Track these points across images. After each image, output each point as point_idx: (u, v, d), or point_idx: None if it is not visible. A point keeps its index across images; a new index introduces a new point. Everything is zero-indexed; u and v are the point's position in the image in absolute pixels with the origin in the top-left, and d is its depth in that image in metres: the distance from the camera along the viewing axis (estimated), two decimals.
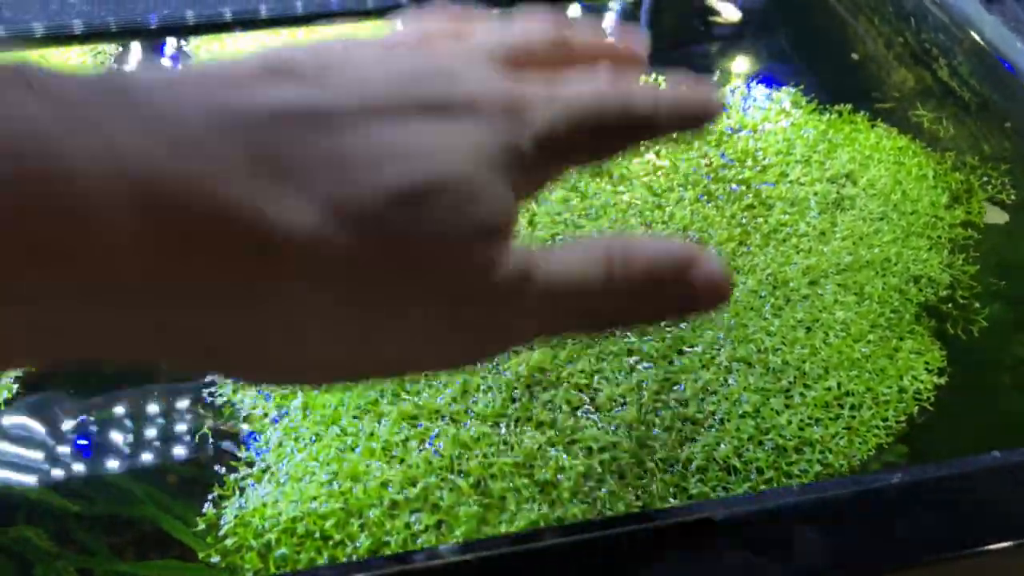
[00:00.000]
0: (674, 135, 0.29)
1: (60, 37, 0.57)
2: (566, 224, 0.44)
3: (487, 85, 0.25)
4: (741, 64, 0.58)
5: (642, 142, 0.29)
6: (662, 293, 0.25)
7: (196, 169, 0.19)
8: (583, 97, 0.26)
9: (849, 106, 0.52)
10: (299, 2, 0.59)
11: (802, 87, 0.53)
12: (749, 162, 0.47)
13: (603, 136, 0.27)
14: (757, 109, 0.51)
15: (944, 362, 0.38)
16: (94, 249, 0.17)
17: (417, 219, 0.21)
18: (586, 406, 0.36)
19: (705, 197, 0.45)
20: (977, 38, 0.52)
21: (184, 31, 0.58)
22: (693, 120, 0.30)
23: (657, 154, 0.48)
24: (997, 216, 0.46)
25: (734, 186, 0.46)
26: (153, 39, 0.58)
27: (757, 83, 0.54)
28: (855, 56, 0.57)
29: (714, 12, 0.61)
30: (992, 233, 0.44)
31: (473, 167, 0.23)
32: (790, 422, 0.35)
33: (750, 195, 0.45)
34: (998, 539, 0.26)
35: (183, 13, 0.58)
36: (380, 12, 0.60)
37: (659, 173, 0.47)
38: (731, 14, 0.61)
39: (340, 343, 0.22)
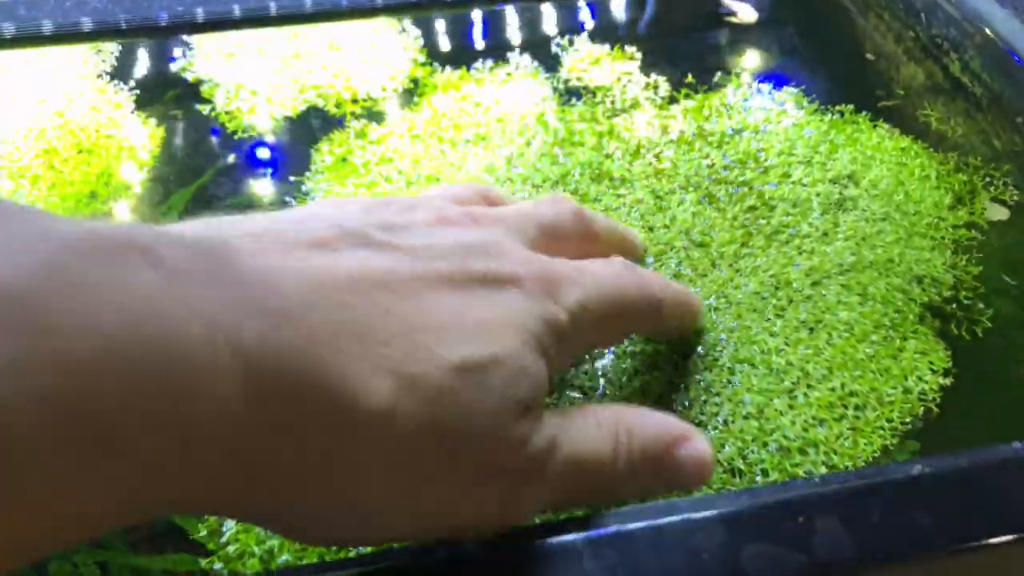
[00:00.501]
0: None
1: (70, 35, 0.57)
2: None
3: (527, 262, 0.28)
4: (750, 59, 0.57)
5: (652, 324, 0.34)
6: (657, 468, 0.28)
7: (292, 342, 0.20)
8: (606, 278, 0.30)
9: (851, 106, 0.52)
10: None
11: (803, 88, 0.53)
12: (751, 163, 0.47)
13: (623, 314, 0.30)
14: (759, 110, 0.51)
15: (949, 362, 0.38)
16: (199, 417, 0.19)
17: (476, 391, 0.23)
18: None
19: (707, 199, 0.45)
20: (989, 33, 0.52)
21: (194, 28, 0.59)
22: (688, 315, 0.36)
23: (658, 157, 0.48)
24: (998, 213, 0.45)
25: (736, 187, 0.46)
26: (164, 36, 0.58)
27: (762, 81, 0.54)
28: (870, 56, 0.57)
29: (730, 12, 0.60)
30: (994, 231, 0.44)
31: (522, 344, 0.25)
32: (794, 423, 0.35)
33: (752, 196, 0.45)
34: (1021, 529, 0.26)
35: (193, 10, 0.59)
36: (389, 10, 0.60)
37: (661, 176, 0.47)
38: (747, 15, 0.60)
39: (395, 507, 0.23)
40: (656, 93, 0.53)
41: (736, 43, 0.59)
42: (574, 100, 0.53)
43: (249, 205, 0.47)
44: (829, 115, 0.51)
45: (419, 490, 0.23)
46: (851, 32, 0.60)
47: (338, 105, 0.54)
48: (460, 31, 0.60)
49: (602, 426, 0.28)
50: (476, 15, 0.61)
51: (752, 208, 0.45)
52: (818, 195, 0.45)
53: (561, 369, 0.29)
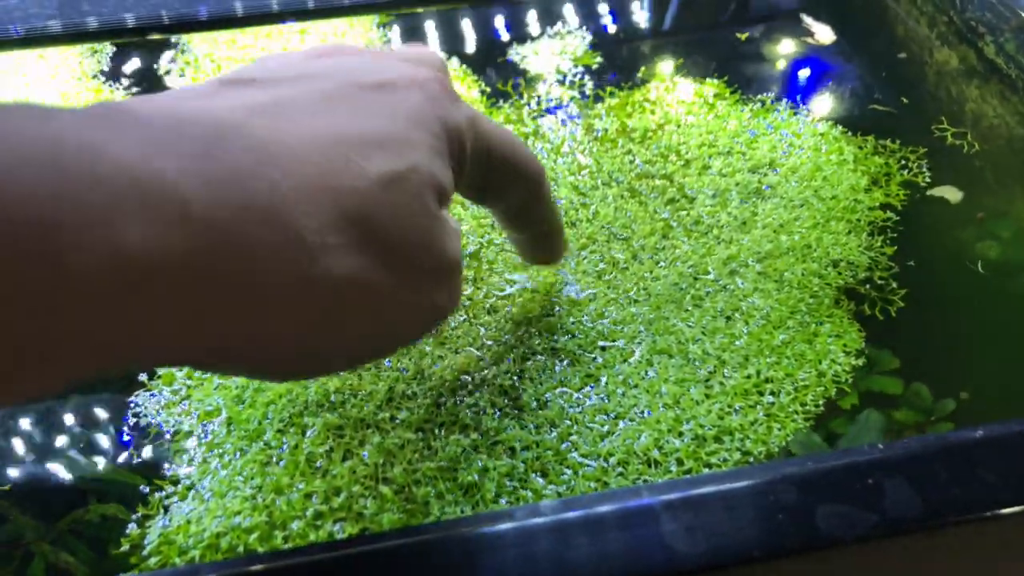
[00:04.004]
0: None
1: (114, 31, 0.59)
2: (493, 227, 0.44)
3: (420, 69, 0.28)
4: (786, 47, 0.58)
5: (530, 192, 0.33)
6: None
7: (215, 174, 0.20)
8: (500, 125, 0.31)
9: (771, 95, 0.52)
10: None
11: (835, 75, 0.54)
12: (672, 157, 0.48)
13: (513, 160, 0.31)
14: (681, 103, 0.52)
15: (862, 343, 0.39)
16: (134, 239, 0.19)
17: (399, 198, 0.24)
18: (509, 407, 0.37)
19: (629, 193, 0.46)
20: None
21: (234, 23, 0.60)
22: (558, 230, 0.36)
23: (582, 153, 0.49)
24: (953, 195, 0.46)
25: (658, 181, 0.47)
26: (203, 30, 0.59)
27: (799, 67, 0.55)
28: (902, 55, 0.57)
29: (809, 32, 0.59)
30: (914, 214, 0.45)
31: (431, 153, 0.26)
32: (710, 411, 0.36)
33: (673, 189, 0.46)
34: None
35: (232, 5, 0.60)
36: (429, 1, 0.61)
37: (584, 172, 0.47)
38: (825, 36, 0.59)
39: (356, 316, 0.24)
40: (582, 92, 0.54)
41: (770, 29, 0.60)
42: (501, 102, 0.53)
43: None
44: (750, 105, 0.52)
45: (376, 293, 0.24)
46: (883, 17, 0.60)
47: None
48: (421, 30, 0.60)
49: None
50: (438, 16, 0.61)
51: (673, 200, 0.45)
52: (738, 184, 0.46)
53: (460, 174, 0.30)
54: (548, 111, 0.52)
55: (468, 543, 0.26)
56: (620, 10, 0.62)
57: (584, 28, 0.60)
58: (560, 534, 0.26)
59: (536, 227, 0.35)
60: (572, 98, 0.53)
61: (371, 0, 0.61)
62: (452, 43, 0.59)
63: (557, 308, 0.40)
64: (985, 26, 0.54)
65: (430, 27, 0.61)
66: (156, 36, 0.59)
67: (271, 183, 0.21)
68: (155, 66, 0.58)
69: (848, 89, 0.53)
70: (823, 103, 0.52)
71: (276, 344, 0.23)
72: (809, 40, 0.58)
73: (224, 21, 0.59)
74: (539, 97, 0.54)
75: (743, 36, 0.58)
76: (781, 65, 0.56)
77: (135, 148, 0.19)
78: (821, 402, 0.36)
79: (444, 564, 0.25)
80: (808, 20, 0.60)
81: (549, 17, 0.61)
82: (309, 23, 0.60)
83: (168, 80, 0.56)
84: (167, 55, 0.58)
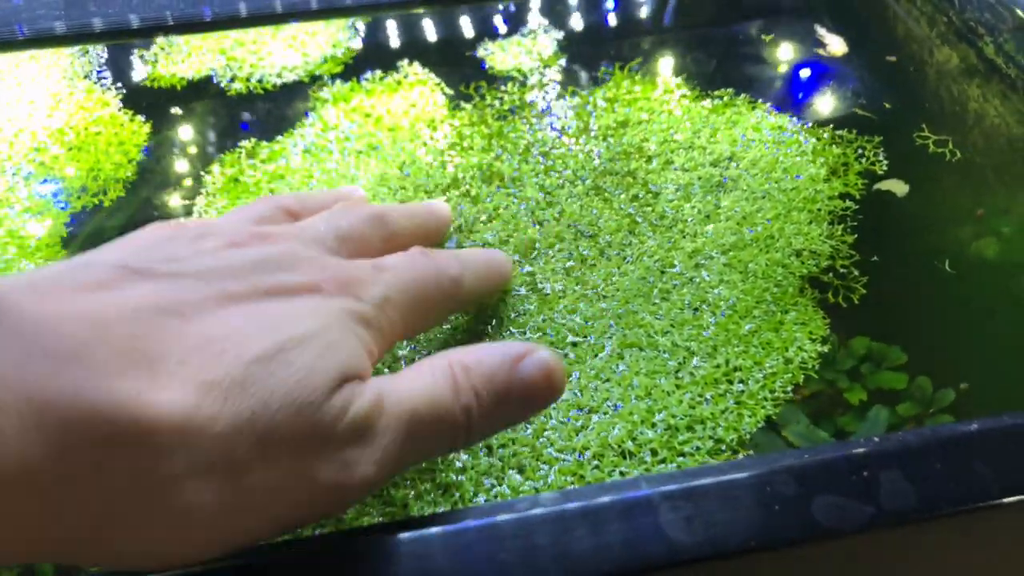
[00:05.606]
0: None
1: (119, 32, 0.59)
2: (459, 230, 0.44)
3: (324, 268, 0.29)
4: (786, 51, 0.58)
5: (457, 300, 0.35)
6: (505, 392, 0.28)
7: (79, 380, 0.20)
8: (403, 269, 0.31)
9: (731, 90, 0.53)
10: None
11: (845, 79, 0.55)
12: (635, 154, 0.49)
13: (426, 299, 0.32)
14: (644, 99, 0.53)
15: (827, 331, 0.40)
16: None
17: (277, 375, 0.24)
18: None
19: (594, 191, 0.46)
20: (1022, 15, 0.53)
21: (238, 23, 0.60)
22: (494, 277, 0.38)
23: (546, 154, 0.49)
24: (900, 188, 0.47)
25: (622, 177, 0.47)
26: (208, 31, 0.60)
27: (800, 67, 0.55)
28: (891, 58, 0.58)
29: (821, 44, 0.59)
30: (873, 202, 0.46)
31: (326, 324, 0.26)
32: (681, 401, 0.36)
33: (637, 185, 0.47)
34: None
35: (236, 6, 0.60)
36: (430, 1, 0.62)
37: (549, 172, 0.48)
38: (837, 47, 0.59)
39: (229, 509, 0.23)
40: (545, 91, 0.54)
41: (769, 26, 0.60)
42: (464, 103, 0.54)
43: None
44: (709, 100, 0.53)
45: (245, 484, 0.23)
46: (881, 16, 0.61)
47: (232, 79, 0.56)
48: (399, 27, 0.60)
49: (435, 370, 0.27)
50: (404, 18, 0.62)
51: (637, 197, 0.46)
52: (700, 179, 0.47)
53: (377, 357, 0.29)
54: (511, 111, 0.53)
55: (461, 535, 0.26)
56: (590, 10, 0.63)
57: (553, 27, 0.61)
58: (558, 524, 0.26)
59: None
60: (537, 98, 0.54)
61: (373, 1, 0.61)
62: (417, 43, 0.59)
63: (528, 306, 0.40)
64: (984, 26, 0.55)
65: (403, 25, 0.61)
66: (160, 37, 0.60)
67: (133, 386, 0.21)
68: (143, 61, 0.58)
69: (848, 89, 0.54)
70: (807, 104, 0.53)
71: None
72: (822, 52, 0.58)
73: (228, 22, 0.59)
74: (502, 98, 0.54)
75: (767, 37, 0.59)
76: (762, 65, 0.57)
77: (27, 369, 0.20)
78: (789, 388, 0.37)
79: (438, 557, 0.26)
80: (821, 31, 0.60)
81: (519, 16, 0.62)
82: (281, 23, 0.60)
83: (151, 68, 0.57)
84: (153, 48, 0.59)
